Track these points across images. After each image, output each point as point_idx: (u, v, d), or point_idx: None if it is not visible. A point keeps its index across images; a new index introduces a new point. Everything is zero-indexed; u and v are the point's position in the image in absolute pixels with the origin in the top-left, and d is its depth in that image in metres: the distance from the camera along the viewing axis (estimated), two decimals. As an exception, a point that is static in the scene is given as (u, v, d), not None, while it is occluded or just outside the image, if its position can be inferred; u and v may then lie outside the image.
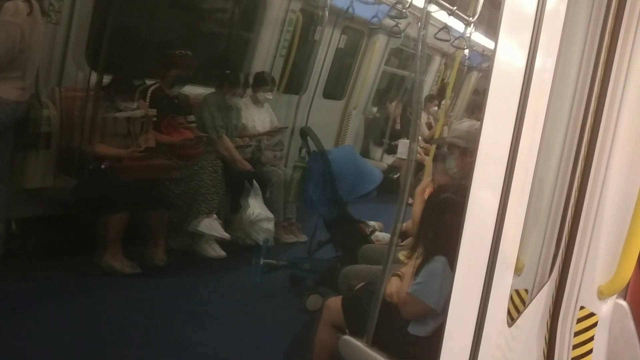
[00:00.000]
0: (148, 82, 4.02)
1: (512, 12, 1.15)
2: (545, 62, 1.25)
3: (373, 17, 5.95)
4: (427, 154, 5.96)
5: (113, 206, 3.56)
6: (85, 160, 3.66)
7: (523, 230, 1.35)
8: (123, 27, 4.01)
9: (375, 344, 2.21)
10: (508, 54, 1.19)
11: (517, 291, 1.64)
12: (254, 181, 4.52)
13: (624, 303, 1.93)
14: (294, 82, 5.80)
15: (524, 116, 1.16)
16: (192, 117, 4.30)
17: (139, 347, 2.86)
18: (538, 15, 1.16)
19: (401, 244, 2.80)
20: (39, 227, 3.58)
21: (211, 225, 4.07)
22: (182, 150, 4.10)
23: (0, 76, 3.08)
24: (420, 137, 6.54)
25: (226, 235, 4.16)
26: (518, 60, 1.17)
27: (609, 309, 1.87)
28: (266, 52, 5.38)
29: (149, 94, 3.94)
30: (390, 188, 5.16)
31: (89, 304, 3.21)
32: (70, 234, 3.56)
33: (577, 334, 1.86)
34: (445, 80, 8.71)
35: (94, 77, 3.68)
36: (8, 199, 3.33)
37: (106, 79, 3.69)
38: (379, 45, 6.85)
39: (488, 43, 7.11)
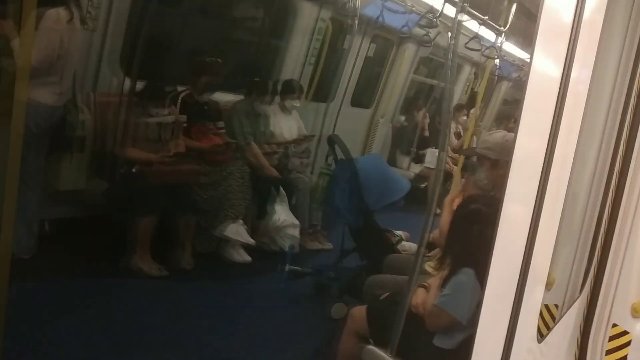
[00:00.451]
0: (179, 88, 4.09)
1: (549, 22, 1.14)
2: (581, 74, 1.23)
3: (403, 26, 5.92)
4: (455, 164, 5.90)
5: (143, 209, 3.62)
6: (117, 163, 3.73)
7: (555, 244, 1.33)
8: (156, 35, 4.09)
9: (400, 355, 2.18)
10: (544, 64, 1.17)
11: (547, 306, 1.61)
12: (280, 188, 4.54)
13: (659, 322, 1.87)
14: (322, 90, 5.81)
15: (559, 128, 1.14)
16: (221, 124, 4.35)
17: (165, 349, 2.89)
18: (575, 25, 1.14)
19: (428, 254, 2.77)
20: (70, 228, 3.66)
21: (237, 231, 4.10)
22: (211, 156, 4.15)
23: (39, 81, 3.16)
24: (448, 147, 6.47)
25: (251, 241, 4.18)
26: (554, 71, 1.15)
27: (643, 328, 1.81)
28: (295, 60, 5.41)
29: (179, 100, 4.01)
30: (417, 197, 5.12)
31: (118, 305, 3.26)
32: (101, 235, 3.63)
33: (609, 352, 1.81)
34: (475, 90, 8.62)
35: (127, 83, 3.77)
36: (42, 200, 3.41)
37: (139, 85, 3.77)
38: (408, 54, 6.82)
39: (519, 53, 7.01)
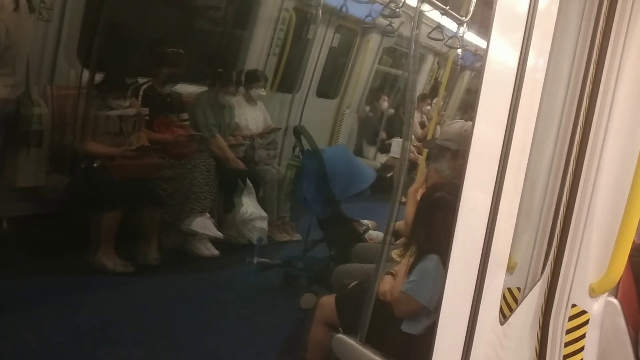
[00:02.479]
0: (140, 80, 4.00)
1: (504, 12, 1.16)
2: (537, 62, 1.26)
3: (366, 16, 5.94)
4: (420, 153, 5.98)
5: (105, 205, 3.54)
6: (77, 158, 3.63)
7: (515, 229, 1.36)
8: (115, 25, 3.98)
9: (369, 342, 2.21)
10: (500, 53, 1.19)
11: (509, 289, 1.66)
12: (247, 180, 4.52)
13: (615, 301, 1.95)
14: (287, 81, 5.79)
15: (516, 116, 1.16)
16: (184, 115, 4.28)
17: (131, 346, 2.85)
18: (530, 14, 1.16)
19: (394, 242, 2.80)
20: (30, 225, 3.56)
21: (204, 224, 4.06)
22: (175, 148, 4.08)
23: (-14, 73, 3.05)
24: (413, 136, 6.56)
25: (219, 234, 4.15)
26: (510, 60, 1.17)
27: (600, 307, 1.88)
28: (259, 50, 5.37)
29: (141, 92, 3.92)
30: (383, 187, 5.17)
31: (81, 302, 3.19)
32: (63, 232, 3.54)
33: (568, 331, 1.87)
34: (438, 80, 8.73)
35: (86, 75, 3.65)
36: (-1, 198, 3.31)
37: (98, 77, 3.66)
38: (373, 44, 6.85)
39: (481, 42, 7.13)
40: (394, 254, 2.72)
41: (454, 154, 2.57)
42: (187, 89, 4.50)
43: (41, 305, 3.05)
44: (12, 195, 3.48)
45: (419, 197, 2.57)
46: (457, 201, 1.16)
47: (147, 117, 3.92)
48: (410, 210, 2.66)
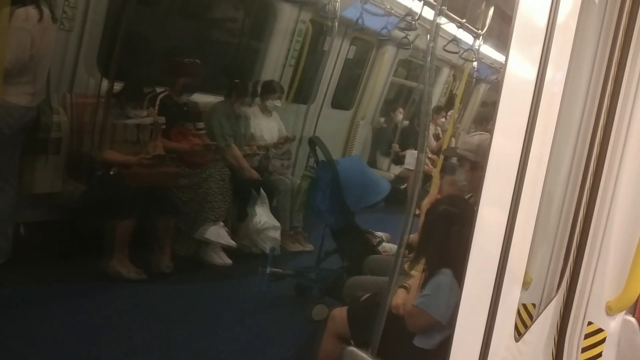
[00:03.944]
0: (158, 89, 4.05)
1: (523, 26, 1.15)
2: (555, 76, 1.25)
3: (382, 28, 5.96)
4: (434, 166, 5.95)
5: (121, 212, 3.57)
6: (94, 166, 3.68)
7: (531, 244, 1.35)
8: (134, 35, 4.04)
9: (380, 356, 2.19)
10: (519, 67, 1.19)
11: (524, 305, 1.63)
12: (261, 189, 4.53)
13: (632, 319, 1.91)
14: (302, 92, 5.82)
15: (534, 130, 1.16)
16: (201, 125, 4.31)
17: (144, 353, 2.85)
18: (549, 28, 1.16)
19: (408, 255, 2.79)
20: (46, 231, 3.60)
21: (218, 233, 4.08)
22: (190, 157, 4.12)
23: (10, 81, 3.10)
24: (427, 149, 6.53)
25: (232, 243, 4.16)
26: (528, 74, 1.16)
27: (617, 325, 1.85)
28: (275, 61, 5.40)
29: (158, 101, 3.96)
30: (397, 199, 5.15)
31: (95, 309, 3.21)
32: (78, 239, 3.56)
33: (584, 349, 1.84)
34: (453, 92, 8.71)
35: (104, 84, 3.71)
36: (17, 203, 3.34)
37: (117, 86, 3.72)
38: (388, 57, 6.86)
39: (496, 55, 7.11)
40: (408, 267, 2.70)
41: (472, 165, 2.56)
42: (204, 99, 4.54)
43: (55, 310, 3.07)
44: (29, 201, 3.52)
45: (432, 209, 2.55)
46: (472, 215, 1.15)
47: (164, 126, 3.95)
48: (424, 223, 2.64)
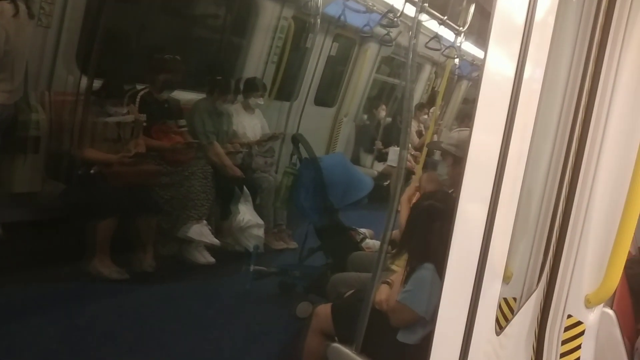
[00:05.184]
0: (138, 86, 4.00)
1: (502, 23, 1.17)
2: (534, 72, 1.27)
3: (364, 25, 5.98)
4: (416, 162, 5.99)
5: (102, 211, 3.52)
6: (74, 165, 3.63)
7: (511, 238, 1.36)
8: (114, 32, 3.99)
9: (365, 351, 2.20)
10: (497, 63, 1.20)
11: (505, 299, 1.65)
12: (244, 187, 4.51)
13: (610, 312, 1.95)
14: (285, 89, 5.80)
15: (513, 125, 1.17)
16: (182, 122, 4.28)
17: (127, 354, 2.83)
18: (527, 25, 1.17)
19: (391, 251, 2.80)
20: (26, 232, 3.54)
21: (200, 232, 4.05)
22: (172, 155, 4.08)
23: (-17, 78, 3.05)
24: (410, 145, 6.58)
25: (216, 242, 4.13)
26: (507, 70, 1.18)
27: (596, 318, 1.88)
28: (258, 58, 5.38)
29: (138, 99, 3.92)
30: (380, 195, 5.17)
31: (76, 309, 3.17)
32: (58, 239, 3.51)
33: (564, 342, 1.87)
34: (435, 89, 8.77)
35: (84, 81, 3.65)
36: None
37: (96, 83, 3.66)
38: (370, 54, 6.88)
39: (478, 52, 7.18)
40: (391, 262, 2.72)
41: (456, 160, 2.59)
42: (186, 96, 4.51)
43: (36, 312, 3.03)
44: (8, 201, 3.46)
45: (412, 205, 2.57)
46: (453, 210, 1.16)
47: (145, 124, 3.91)
48: (404, 217, 2.66)
